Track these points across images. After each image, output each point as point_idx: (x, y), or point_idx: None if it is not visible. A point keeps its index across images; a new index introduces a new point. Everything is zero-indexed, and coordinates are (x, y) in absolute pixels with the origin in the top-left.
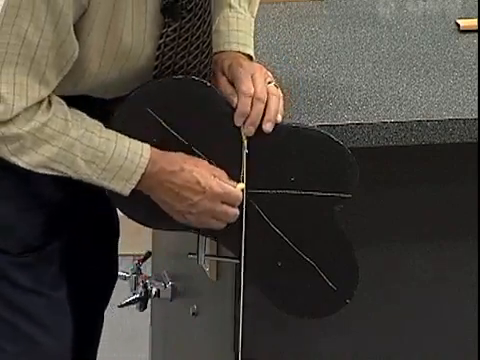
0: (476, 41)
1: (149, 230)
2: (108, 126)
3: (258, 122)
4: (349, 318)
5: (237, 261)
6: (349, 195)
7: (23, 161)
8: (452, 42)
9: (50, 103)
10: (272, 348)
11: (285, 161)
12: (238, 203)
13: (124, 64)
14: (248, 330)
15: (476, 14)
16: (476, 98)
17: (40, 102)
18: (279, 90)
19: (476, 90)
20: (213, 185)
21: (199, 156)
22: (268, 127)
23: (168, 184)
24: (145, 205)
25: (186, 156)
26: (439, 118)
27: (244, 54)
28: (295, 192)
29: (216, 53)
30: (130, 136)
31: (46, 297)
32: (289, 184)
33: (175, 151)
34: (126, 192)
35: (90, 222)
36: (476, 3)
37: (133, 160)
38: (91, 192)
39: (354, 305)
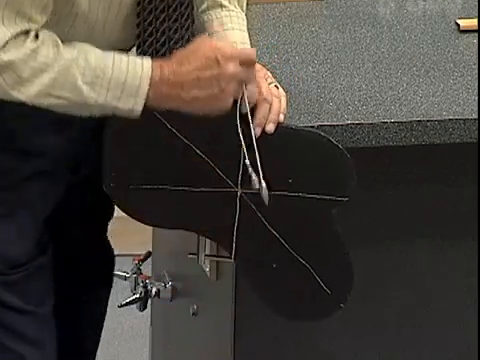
0: (476, 41)
1: (149, 230)
2: (106, 127)
3: (264, 123)
4: (349, 318)
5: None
6: (346, 198)
7: (23, 94)
8: (452, 42)
9: (38, 35)
10: (272, 348)
11: (283, 162)
12: (254, 59)
13: (109, 5)
14: (248, 330)
15: (476, 14)
16: (476, 98)
17: (27, 32)
18: (280, 90)
19: (476, 90)
20: (224, 50)
21: (200, 156)
22: (270, 128)
23: (183, 77)
24: (150, 204)
25: (180, 51)
26: (439, 118)
27: None
28: (292, 194)
29: None
30: (130, 133)
31: (32, 315)
32: (286, 186)
33: (176, 151)
34: (138, 109)
35: (80, 212)
36: (476, 3)
37: (135, 72)
38: (82, 186)
39: (354, 305)
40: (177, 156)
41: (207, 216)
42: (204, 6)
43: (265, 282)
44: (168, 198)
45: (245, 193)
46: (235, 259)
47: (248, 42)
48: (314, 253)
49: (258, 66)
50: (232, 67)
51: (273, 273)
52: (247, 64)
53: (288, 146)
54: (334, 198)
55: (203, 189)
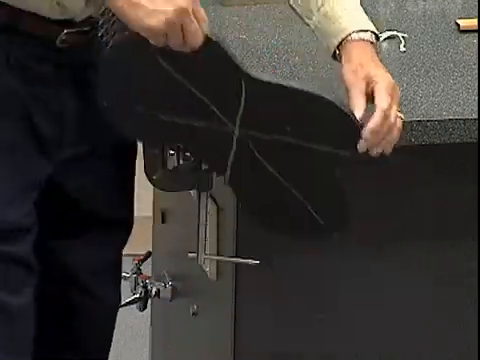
0: (476, 41)
1: (149, 230)
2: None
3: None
4: (349, 318)
5: (237, 260)
6: (348, 153)
7: None
8: (452, 42)
9: None
10: (272, 348)
11: (281, 112)
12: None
13: None
14: (248, 330)
15: (476, 14)
16: (476, 98)
17: None
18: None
19: (476, 90)
20: None
21: (198, 97)
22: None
23: None
24: (141, 125)
25: None
26: (439, 118)
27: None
28: (291, 140)
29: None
30: (124, 67)
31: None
32: (285, 133)
33: (173, 91)
34: None
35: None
36: (476, 3)
37: None
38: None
39: (354, 305)
40: (173, 92)
41: (201, 146)
42: None
43: (258, 206)
44: (160, 126)
45: (243, 134)
46: (229, 183)
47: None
48: (311, 192)
49: (393, 83)
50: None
51: (269, 203)
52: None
53: (287, 97)
54: (335, 151)
55: (199, 123)
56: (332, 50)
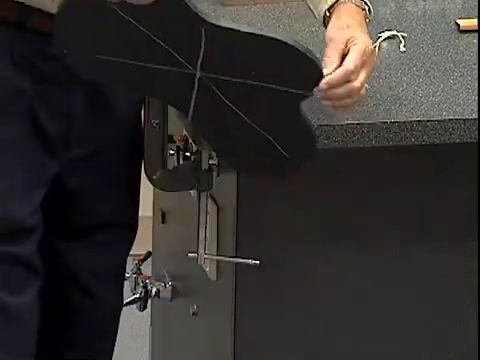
0: (476, 41)
1: (149, 230)
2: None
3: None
4: (349, 318)
5: (237, 260)
6: (311, 93)
7: None
8: (452, 42)
9: None
10: (272, 348)
11: (242, 57)
12: None
13: None
14: (248, 330)
15: (476, 14)
16: (476, 98)
17: None
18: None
19: (476, 90)
20: None
21: (158, 44)
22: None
23: None
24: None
25: None
26: (439, 118)
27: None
28: (255, 83)
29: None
30: (83, 17)
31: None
32: (250, 76)
33: (134, 39)
34: None
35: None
36: (476, 3)
37: None
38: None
39: (354, 305)
40: (134, 40)
41: (164, 88)
42: None
43: (223, 141)
44: (123, 70)
45: (205, 76)
46: (192, 119)
47: None
48: (277, 129)
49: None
50: None
51: (232, 137)
52: None
53: (248, 45)
54: (299, 92)
55: (160, 66)
56: (323, 14)
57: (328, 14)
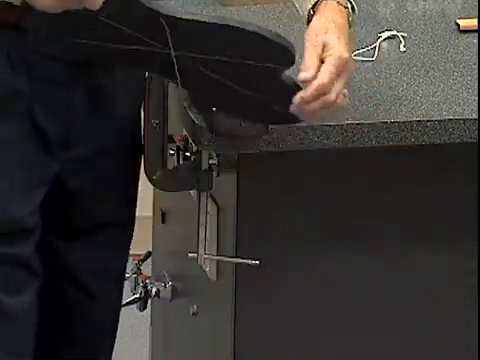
0: (476, 41)
1: (149, 230)
2: None
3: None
4: (349, 318)
5: (237, 260)
6: (289, 66)
7: None
8: (452, 42)
9: None
10: (272, 348)
11: (214, 43)
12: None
13: None
14: (248, 331)
15: (476, 14)
16: (476, 98)
17: None
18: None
19: (476, 90)
20: None
21: (128, 33)
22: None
23: None
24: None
25: None
26: (439, 118)
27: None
28: (232, 60)
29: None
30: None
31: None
32: (226, 55)
33: (104, 31)
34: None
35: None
36: (476, 3)
37: None
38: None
39: (354, 305)
40: (107, 32)
41: (147, 65)
42: None
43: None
44: (103, 52)
45: (181, 55)
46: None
47: None
48: (264, 90)
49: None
50: None
51: (222, 98)
52: None
53: (216, 34)
54: (274, 66)
55: (137, 47)
56: (306, 13)
57: (312, 12)
